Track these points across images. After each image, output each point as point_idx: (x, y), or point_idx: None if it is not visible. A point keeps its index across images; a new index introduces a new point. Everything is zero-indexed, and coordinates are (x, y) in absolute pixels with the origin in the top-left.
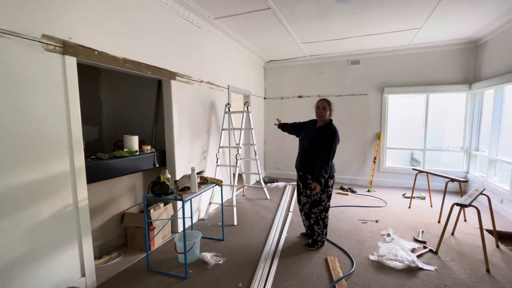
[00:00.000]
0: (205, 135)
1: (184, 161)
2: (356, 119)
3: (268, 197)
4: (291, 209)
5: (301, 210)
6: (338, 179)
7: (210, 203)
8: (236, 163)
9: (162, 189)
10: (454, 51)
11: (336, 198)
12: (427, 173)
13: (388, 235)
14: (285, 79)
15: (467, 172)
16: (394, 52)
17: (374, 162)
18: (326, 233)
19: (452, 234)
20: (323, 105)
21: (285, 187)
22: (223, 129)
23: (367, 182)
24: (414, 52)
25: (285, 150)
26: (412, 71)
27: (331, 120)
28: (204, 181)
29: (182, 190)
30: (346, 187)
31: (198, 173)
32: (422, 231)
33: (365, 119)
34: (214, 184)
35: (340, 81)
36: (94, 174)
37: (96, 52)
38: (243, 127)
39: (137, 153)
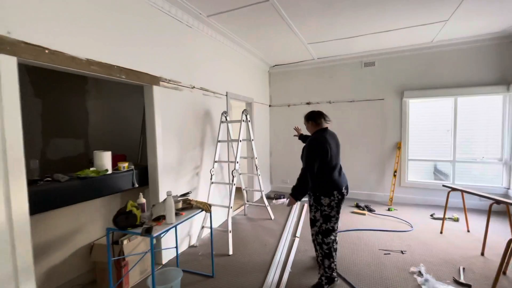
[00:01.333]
0: (198, 148)
1: (170, 179)
2: (372, 127)
3: (272, 217)
4: (298, 234)
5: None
6: (353, 195)
7: (202, 227)
8: (232, 181)
9: (127, 221)
10: (487, 47)
11: (351, 219)
12: (463, 191)
13: (420, 273)
14: (292, 85)
15: (508, 188)
16: (414, 52)
17: (395, 175)
18: (331, 266)
19: (504, 273)
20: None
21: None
22: (219, 141)
23: (386, 198)
24: (439, 51)
25: (292, 162)
26: (436, 72)
27: (317, 130)
28: (188, 206)
29: (157, 219)
30: (362, 204)
31: (183, 195)
32: (463, 268)
33: (382, 127)
34: (200, 210)
35: (353, 86)
36: (47, 201)
37: (47, 51)
38: (240, 138)
39: (108, 172)
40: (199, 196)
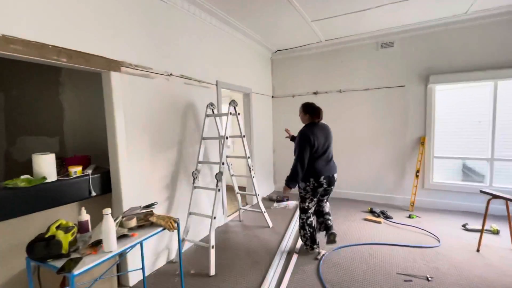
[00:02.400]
0: (178, 146)
1: (139, 184)
2: (390, 119)
3: (271, 225)
4: (297, 248)
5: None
6: (367, 197)
7: (183, 239)
8: (216, 185)
9: (48, 250)
10: None
11: (363, 229)
12: (509, 200)
13: None
14: (297, 72)
15: None
16: (443, 27)
17: (417, 176)
18: (306, 236)
19: None
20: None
21: (296, 208)
22: (204, 138)
23: (407, 203)
24: (475, 24)
25: None
26: (470, 51)
27: (307, 124)
28: (146, 223)
29: (95, 245)
30: (377, 210)
31: (147, 206)
32: None
33: (403, 119)
34: (162, 229)
35: (367, 71)
36: None
37: None
38: (227, 134)
39: (49, 180)
40: (181, 203)
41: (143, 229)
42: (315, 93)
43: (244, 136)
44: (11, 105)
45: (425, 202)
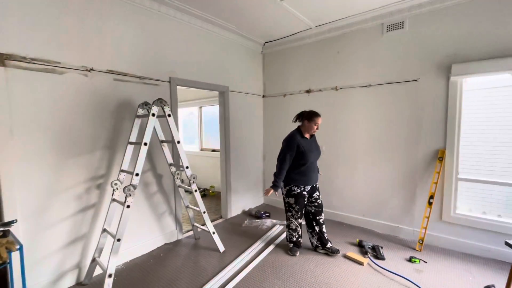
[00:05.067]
0: (99, 152)
1: (34, 199)
2: (397, 125)
3: (221, 249)
4: (233, 284)
5: (300, 224)
6: (366, 224)
7: (93, 259)
8: (125, 200)
9: None
10: None
11: (334, 271)
12: None
13: None
14: (288, 68)
15: None
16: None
17: (430, 204)
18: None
19: None
20: (319, 122)
21: (270, 228)
22: (130, 143)
23: (415, 237)
24: None
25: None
26: (510, 28)
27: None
28: None
29: None
30: (369, 244)
31: (3, 225)
32: None
33: (414, 125)
34: None
35: (369, 62)
36: None
37: None
38: (145, 140)
39: None
40: (101, 217)
41: None
42: (307, 91)
43: (179, 143)
44: None
45: (441, 240)
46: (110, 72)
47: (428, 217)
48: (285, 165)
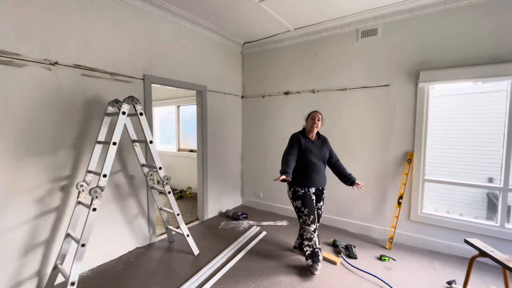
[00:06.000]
0: (65, 152)
1: None
2: (370, 128)
3: (196, 252)
4: None
5: (315, 230)
6: (341, 224)
7: (55, 267)
8: (91, 203)
9: None
10: None
11: (312, 274)
12: (501, 264)
13: None
14: (268, 69)
15: None
16: (440, 6)
17: (399, 203)
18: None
19: None
20: (318, 117)
21: (247, 230)
22: (98, 142)
23: (386, 236)
24: (479, 2)
25: (267, 171)
26: (476, 38)
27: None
28: None
29: None
30: (342, 243)
31: None
32: None
33: (385, 128)
34: None
35: (345, 66)
36: None
37: None
38: (114, 140)
39: None
40: (63, 221)
41: None
42: (286, 93)
43: (151, 142)
44: None
45: (409, 238)
46: (77, 66)
47: (397, 217)
48: (289, 156)
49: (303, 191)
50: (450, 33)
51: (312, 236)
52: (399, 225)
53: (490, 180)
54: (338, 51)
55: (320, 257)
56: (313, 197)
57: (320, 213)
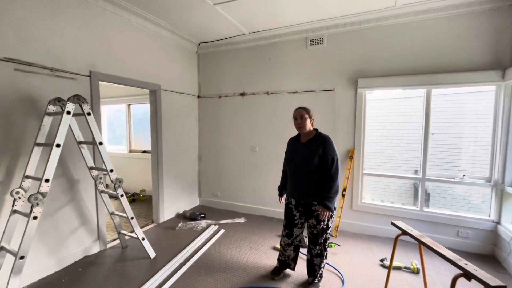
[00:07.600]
0: None
1: None
2: (320, 128)
3: (152, 255)
4: None
5: (290, 245)
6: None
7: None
8: (31, 211)
9: None
10: (475, 15)
11: (262, 261)
12: (419, 241)
13: None
14: (224, 70)
15: (498, 223)
16: (374, 23)
17: (343, 195)
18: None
19: None
20: (301, 114)
21: (205, 229)
22: (37, 144)
23: (332, 225)
24: (406, 21)
25: (224, 171)
26: (401, 51)
27: (317, 130)
28: None
29: None
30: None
31: None
32: None
33: (331, 128)
34: None
35: (296, 71)
36: None
37: None
38: (58, 141)
39: None
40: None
41: None
42: (242, 94)
43: (101, 144)
44: None
45: (352, 226)
46: (9, 60)
47: (341, 207)
48: (284, 167)
49: (286, 201)
50: (382, 46)
51: (282, 248)
52: (344, 215)
53: (416, 172)
54: (290, 56)
55: (290, 268)
56: (295, 210)
57: (315, 232)
